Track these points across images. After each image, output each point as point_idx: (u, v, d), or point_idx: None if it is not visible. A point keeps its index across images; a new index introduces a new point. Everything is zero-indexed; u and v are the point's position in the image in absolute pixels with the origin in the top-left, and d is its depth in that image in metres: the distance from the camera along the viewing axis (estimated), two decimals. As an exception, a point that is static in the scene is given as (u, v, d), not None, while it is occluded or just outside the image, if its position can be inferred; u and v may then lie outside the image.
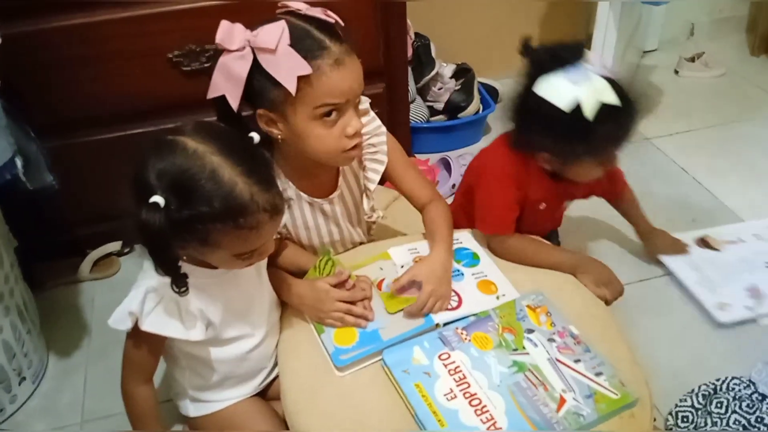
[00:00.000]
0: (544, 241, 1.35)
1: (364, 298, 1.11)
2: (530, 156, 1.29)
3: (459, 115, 2.21)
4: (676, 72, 2.67)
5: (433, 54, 2.23)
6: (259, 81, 0.98)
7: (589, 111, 1.13)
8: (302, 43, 0.97)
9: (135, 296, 0.95)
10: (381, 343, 1.06)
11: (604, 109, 1.13)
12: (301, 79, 0.97)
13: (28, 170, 1.24)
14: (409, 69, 2.05)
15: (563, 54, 1.17)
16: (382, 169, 1.20)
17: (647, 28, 2.72)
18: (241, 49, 0.97)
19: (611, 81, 1.16)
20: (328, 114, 1.02)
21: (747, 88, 2.59)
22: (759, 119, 2.37)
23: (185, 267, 0.94)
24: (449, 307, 1.12)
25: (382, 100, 1.88)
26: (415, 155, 2.10)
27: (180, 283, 0.90)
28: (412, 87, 2.12)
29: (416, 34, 2.20)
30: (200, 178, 0.84)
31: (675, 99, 2.53)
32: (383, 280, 1.18)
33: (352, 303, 1.10)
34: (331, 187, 1.20)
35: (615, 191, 1.61)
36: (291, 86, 0.96)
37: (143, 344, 0.99)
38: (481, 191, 1.33)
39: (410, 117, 2.06)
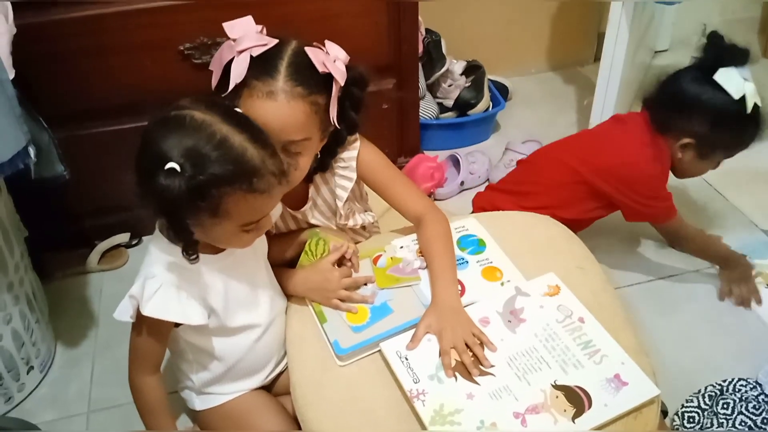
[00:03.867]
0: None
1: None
2: (665, 146, 1.48)
3: (469, 112, 2.21)
4: (688, 72, 2.65)
5: (444, 50, 2.23)
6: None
7: (749, 104, 1.38)
8: (262, 62, 0.99)
9: (136, 284, 0.96)
10: (389, 325, 1.06)
11: (756, 108, 1.39)
12: (239, 91, 0.99)
13: (40, 160, 1.24)
14: (420, 65, 2.05)
15: (738, 53, 1.40)
16: (350, 184, 1.17)
17: (659, 27, 2.70)
18: (234, 41, 1.00)
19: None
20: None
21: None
22: (771, 121, 2.36)
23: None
24: None
25: (392, 96, 1.88)
26: (424, 152, 2.10)
27: (192, 249, 0.92)
28: (422, 83, 2.12)
29: (427, 30, 2.20)
30: (213, 145, 0.86)
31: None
32: (380, 256, 1.20)
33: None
34: (303, 199, 1.19)
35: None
36: (230, 87, 0.99)
37: (147, 332, 0.99)
38: (643, 189, 1.49)
39: (420, 113, 2.06)
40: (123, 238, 1.86)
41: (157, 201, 0.85)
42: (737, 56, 1.39)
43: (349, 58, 1.05)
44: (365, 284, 1.13)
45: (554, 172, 1.55)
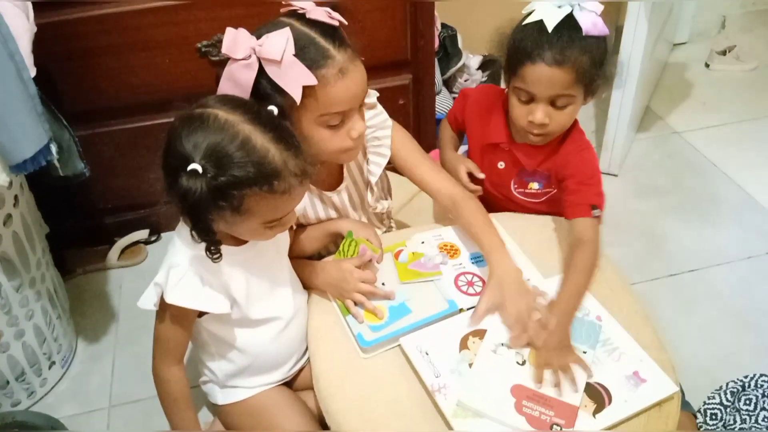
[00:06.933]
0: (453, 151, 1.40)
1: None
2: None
3: (485, 107, 2.19)
4: (707, 65, 2.62)
5: (460, 45, 2.22)
6: (265, 87, 0.99)
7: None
8: (307, 52, 0.98)
9: (160, 273, 0.98)
10: (410, 320, 1.07)
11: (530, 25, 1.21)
12: (306, 88, 0.97)
13: (61, 157, 1.26)
14: (436, 60, 2.04)
15: None
16: (384, 162, 1.20)
17: (678, 20, 2.67)
18: (246, 58, 0.98)
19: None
20: (333, 120, 1.03)
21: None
22: (791, 114, 2.33)
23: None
24: (474, 292, 1.12)
25: (408, 91, 1.87)
26: (441, 147, 2.09)
27: (215, 248, 0.93)
28: (438, 78, 2.11)
29: (443, 24, 2.19)
30: (235, 146, 0.87)
31: (705, 92, 2.49)
32: (401, 251, 1.20)
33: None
34: (338, 180, 1.21)
35: (565, 208, 1.20)
36: (296, 96, 0.97)
37: (171, 321, 1.00)
38: None
39: (436, 108, 2.05)
40: (142, 234, 1.87)
41: (180, 200, 0.86)
42: None
43: None
44: (383, 283, 1.13)
45: None
